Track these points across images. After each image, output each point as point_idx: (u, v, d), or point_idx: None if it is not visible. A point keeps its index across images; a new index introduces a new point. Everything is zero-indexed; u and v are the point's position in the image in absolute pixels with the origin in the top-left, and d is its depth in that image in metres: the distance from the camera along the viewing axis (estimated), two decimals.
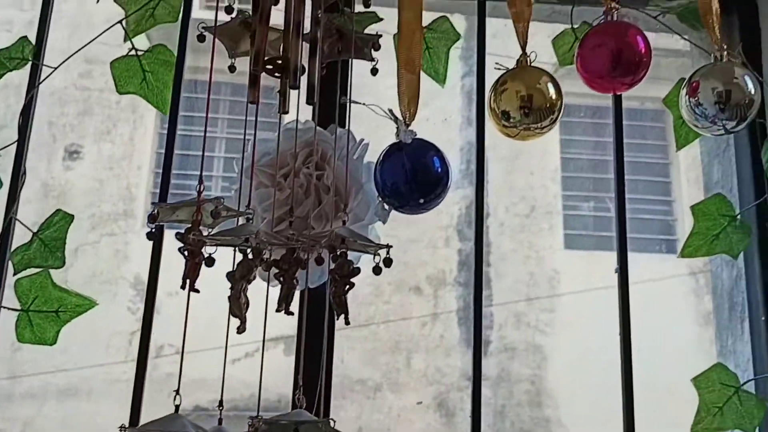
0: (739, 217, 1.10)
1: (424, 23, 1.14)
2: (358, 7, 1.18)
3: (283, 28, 0.88)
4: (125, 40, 1.06)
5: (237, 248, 0.79)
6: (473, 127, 1.23)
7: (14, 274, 1.02)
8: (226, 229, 0.78)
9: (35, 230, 1.01)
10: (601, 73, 0.93)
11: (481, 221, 1.08)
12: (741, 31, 1.19)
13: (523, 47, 0.93)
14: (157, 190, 1.12)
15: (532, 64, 0.92)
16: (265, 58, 0.87)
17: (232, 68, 0.91)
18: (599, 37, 0.93)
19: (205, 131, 0.87)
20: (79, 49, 1.06)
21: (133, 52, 1.05)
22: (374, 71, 1.00)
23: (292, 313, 0.81)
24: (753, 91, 0.91)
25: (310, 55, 0.90)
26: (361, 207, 0.97)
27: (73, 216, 0.99)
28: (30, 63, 1.07)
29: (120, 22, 1.06)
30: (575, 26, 1.13)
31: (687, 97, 0.93)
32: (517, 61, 0.93)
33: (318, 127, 1.01)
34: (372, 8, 1.06)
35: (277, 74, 0.88)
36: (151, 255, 1.02)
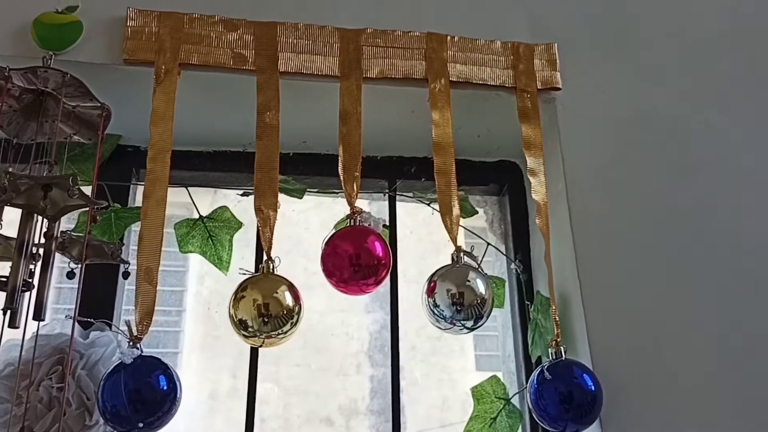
0: (513, 400, 1.11)
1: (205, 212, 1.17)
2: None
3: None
4: None
5: None
6: None
7: None
8: None
9: None
10: (344, 277, 0.95)
11: None
12: (512, 213, 1.25)
13: (268, 253, 0.95)
14: None
15: (275, 272, 0.93)
16: None
17: None
18: (339, 243, 0.96)
19: None
20: None
21: None
22: (125, 275, 1.00)
23: None
24: (484, 292, 0.94)
25: (42, 270, 0.89)
26: None
27: None
28: None
29: None
30: None
31: (426, 296, 0.96)
32: (260, 267, 0.94)
33: (74, 333, 0.99)
34: None
35: (3, 289, 0.86)
36: None
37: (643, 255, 1.04)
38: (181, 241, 1.15)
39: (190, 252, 1.16)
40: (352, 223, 0.97)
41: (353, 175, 1.01)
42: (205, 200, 1.25)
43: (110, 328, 1.00)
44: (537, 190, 1.03)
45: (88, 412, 0.94)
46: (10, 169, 0.83)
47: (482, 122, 1.18)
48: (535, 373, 0.95)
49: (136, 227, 1.10)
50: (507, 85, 1.10)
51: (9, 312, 0.85)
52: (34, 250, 0.89)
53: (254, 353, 1.13)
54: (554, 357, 0.95)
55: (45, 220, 0.89)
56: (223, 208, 1.16)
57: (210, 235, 1.16)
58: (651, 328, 1.00)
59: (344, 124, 1.04)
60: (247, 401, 1.12)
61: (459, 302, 0.93)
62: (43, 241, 0.90)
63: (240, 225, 1.16)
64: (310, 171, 1.21)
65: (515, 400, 1.11)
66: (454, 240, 0.98)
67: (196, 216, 1.16)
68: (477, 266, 0.97)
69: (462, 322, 0.94)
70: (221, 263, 1.16)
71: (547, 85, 1.11)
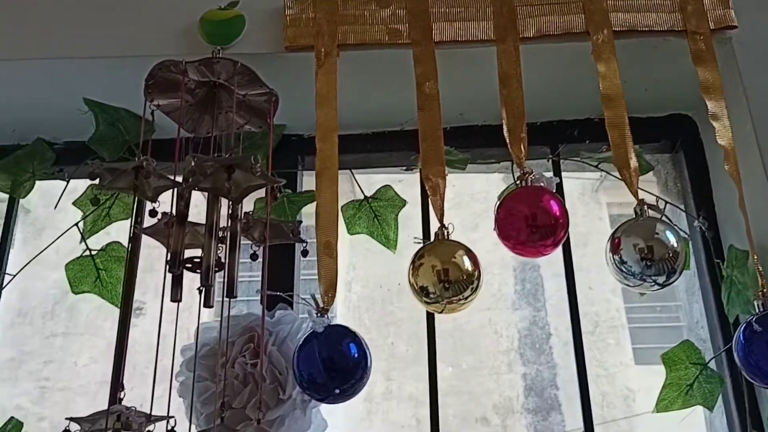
0: (710, 365, 1.03)
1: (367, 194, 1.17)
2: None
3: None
4: (80, 242, 1.11)
5: None
6: None
7: None
8: None
9: None
10: (521, 239, 0.92)
11: None
12: (689, 169, 1.17)
13: (441, 220, 0.94)
14: None
15: (450, 237, 0.92)
16: (184, 257, 0.91)
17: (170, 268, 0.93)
18: (514, 204, 0.93)
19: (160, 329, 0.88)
20: (39, 254, 1.12)
21: (87, 253, 1.10)
22: (305, 253, 1.03)
23: None
24: (675, 244, 0.88)
25: (230, 250, 0.92)
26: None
27: (22, 423, 1.02)
28: None
29: (76, 224, 1.13)
30: None
31: (611, 254, 0.91)
32: (435, 234, 0.93)
33: (265, 311, 1.03)
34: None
35: (197, 271, 0.91)
36: None
37: None
38: (348, 223, 1.16)
39: (358, 233, 1.17)
40: (523, 184, 0.94)
41: (519, 137, 0.98)
42: (368, 185, 1.26)
43: (291, 306, 1.03)
44: (722, 134, 0.96)
45: (281, 387, 0.97)
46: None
47: (649, 73, 1.11)
48: (741, 328, 0.88)
49: (305, 210, 1.13)
50: (676, 29, 1.03)
51: (204, 291, 0.90)
52: (221, 234, 0.94)
53: (432, 346, 1.13)
54: (761, 309, 0.87)
55: (229, 204, 0.93)
56: (387, 187, 1.17)
57: (375, 215, 1.17)
58: None
59: (505, 86, 1.01)
60: (429, 387, 1.12)
61: (648, 257, 0.88)
62: (228, 224, 0.94)
63: (404, 203, 1.16)
64: (469, 144, 1.19)
65: (712, 365, 1.03)
66: (635, 194, 0.93)
67: (361, 197, 1.17)
68: (666, 220, 0.90)
69: (653, 277, 0.88)
70: (388, 242, 1.17)
71: (720, 24, 1.03)
